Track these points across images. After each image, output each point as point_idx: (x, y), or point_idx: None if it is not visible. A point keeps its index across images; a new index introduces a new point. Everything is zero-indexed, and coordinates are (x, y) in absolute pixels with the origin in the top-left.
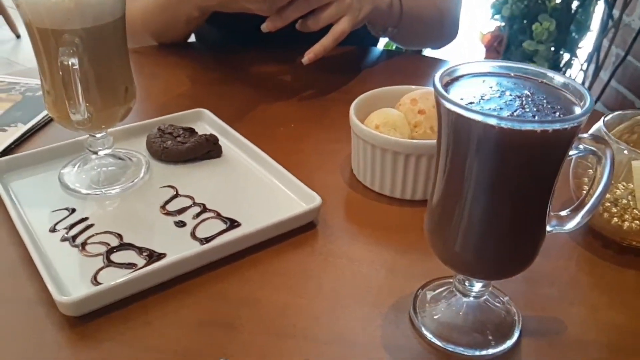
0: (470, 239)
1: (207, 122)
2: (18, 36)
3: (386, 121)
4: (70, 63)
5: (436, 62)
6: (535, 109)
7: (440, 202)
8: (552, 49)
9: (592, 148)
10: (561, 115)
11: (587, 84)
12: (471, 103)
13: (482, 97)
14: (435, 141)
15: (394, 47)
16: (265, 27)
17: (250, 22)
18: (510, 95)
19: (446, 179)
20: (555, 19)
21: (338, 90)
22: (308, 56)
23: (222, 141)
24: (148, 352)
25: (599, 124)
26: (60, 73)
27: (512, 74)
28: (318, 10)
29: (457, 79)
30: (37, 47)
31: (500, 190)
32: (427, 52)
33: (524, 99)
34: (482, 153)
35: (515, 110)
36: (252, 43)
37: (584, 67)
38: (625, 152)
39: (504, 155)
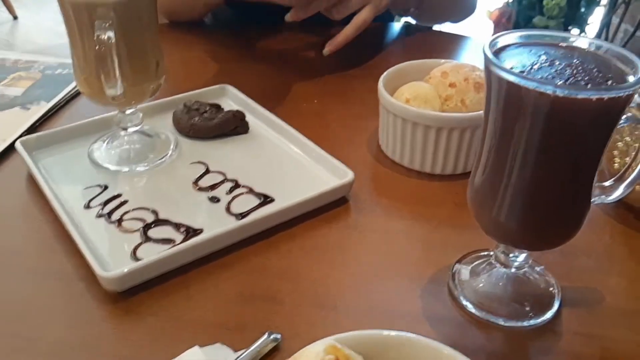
0: (517, 208)
1: (231, 98)
2: (15, 17)
3: (417, 94)
4: (107, 37)
5: (455, 38)
6: (587, 77)
7: (487, 173)
8: (562, 24)
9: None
10: (614, 84)
11: None
12: (522, 72)
13: (532, 66)
14: (467, 114)
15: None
16: (289, 17)
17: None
18: (560, 64)
19: (494, 149)
20: None
21: (359, 66)
22: (329, 47)
23: (248, 117)
24: (192, 326)
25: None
26: (97, 47)
27: (560, 44)
28: (342, 0)
29: (503, 49)
30: (70, 23)
31: (550, 160)
32: (436, 26)
33: (574, 68)
34: (533, 122)
35: (568, 79)
36: (268, 21)
37: None
38: None
39: (557, 124)
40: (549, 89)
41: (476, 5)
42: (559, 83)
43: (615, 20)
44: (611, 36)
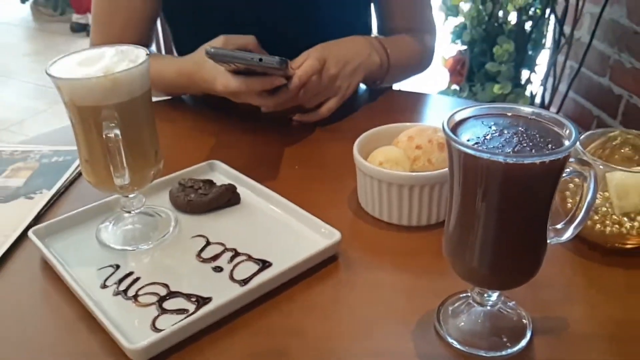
0: (486, 256)
1: (220, 172)
2: None
3: (388, 158)
4: (114, 135)
5: (415, 96)
6: (531, 143)
7: (457, 228)
8: (513, 68)
9: (579, 170)
10: (553, 147)
11: (547, 97)
12: (477, 144)
13: (485, 137)
14: (434, 172)
15: None
16: (264, 110)
17: None
18: (508, 133)
19: (460, 208)
20: (512, 40)
21: (331, 131)
22: (298, 118)
23: (239, 188)
24: None
25: (576, 144)
26: (107, 144)
27: (507, 113)
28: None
29: (461, 122)
30: (77, 122)
31: (508, 214)
32: None
33: (520, 135)
34: (490, 184)
35: (516, 146)
36: None
37: (544, 82)
38: (601, 166)
39: (509, 185)
40: (500, 158)
41: (433, 59)
42: (508, 151)
43: (561, 58)
44: (559, 74)
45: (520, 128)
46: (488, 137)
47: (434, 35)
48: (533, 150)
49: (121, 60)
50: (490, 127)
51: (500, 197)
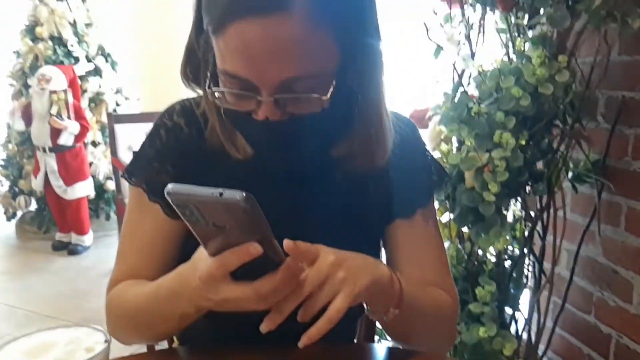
0: None
1: None
2: None
3: None
4: None
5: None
6: None
7: None
8: (496, 307)
9: None
10: None
11: (534, 335)
12: None
13: None
14: None
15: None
16: (264, 327)
17: (245, 318)
18: None
19: None
20: (494, 280)
21: None
22: (303, 340)
23: None
24: None
25: None
26: None
27: None
28: (312, 293)
29: None
30: None
31: None
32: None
33: None
34: None
35: None
36: (245, 337)
37: (528, 322)
38: None
39: None
40: None
41: (455, 336)
42: None
43: (545, 294)
44: (544, 311)
45: None
46: None
47: (454, 299)
48: None
49: (74, 351)
50: None
51: None
